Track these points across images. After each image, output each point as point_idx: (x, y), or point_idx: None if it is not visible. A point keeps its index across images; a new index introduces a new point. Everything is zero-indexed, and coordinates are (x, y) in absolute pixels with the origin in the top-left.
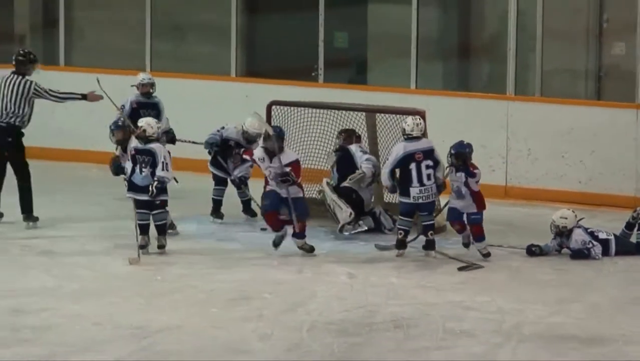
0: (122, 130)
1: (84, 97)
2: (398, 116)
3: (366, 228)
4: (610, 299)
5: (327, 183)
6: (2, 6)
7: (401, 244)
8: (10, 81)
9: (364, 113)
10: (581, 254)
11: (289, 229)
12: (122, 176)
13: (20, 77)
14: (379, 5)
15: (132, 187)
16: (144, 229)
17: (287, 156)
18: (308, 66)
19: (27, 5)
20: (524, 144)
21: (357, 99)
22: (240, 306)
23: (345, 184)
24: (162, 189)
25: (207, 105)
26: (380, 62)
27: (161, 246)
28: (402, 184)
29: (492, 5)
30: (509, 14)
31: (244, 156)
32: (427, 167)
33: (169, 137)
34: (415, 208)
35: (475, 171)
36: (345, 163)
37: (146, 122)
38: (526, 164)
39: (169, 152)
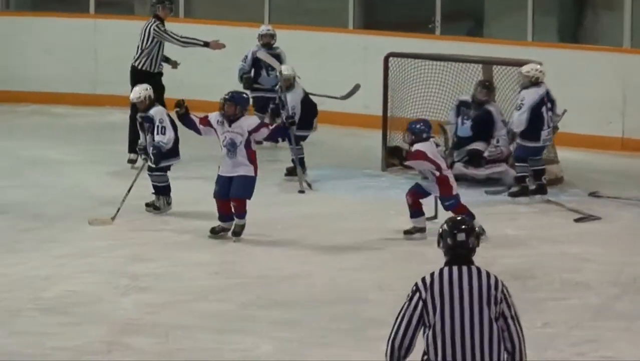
0: None
1: (206, 44)
2: (515, 68)
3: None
4: None
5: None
6: None
7: (526, 191)
8: (144, 25)
9: (480, 65)
10: None
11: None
12: None
13: (151, 20)
14: None
15: (144, 152)
16: (155, 190)
17: (251, 120)
18: (425, 19)
19: None
20: None
21: (473, 51)
22: (360, 256)
23: (485, 154)
24: (162, 154)
25: (324, 57)
26: (497, 15)
27: (153, 206)
28: (532, 128)
29: None
30: None
31: (200, 126)
32: (548, 109)
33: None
34: (539, 150)
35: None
36: (482, 123)
37: (132, 94)
38: None
39: (168, 114)
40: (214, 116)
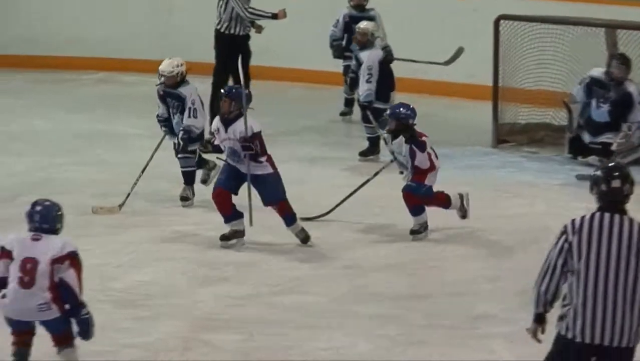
0: None
1: (274, 16)
2: None
3: None
4: None
5: None
6: None
7: None
8: None
9: (603, 29)
10: None
11: (245, 222)
12: None
13: None
14: None
15: (165, 125)
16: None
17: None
18: None
19: None
20: None
21: (595, 13)
22: (463, 244)
23: (613, 147)
24: (192, 138)
25: (426, 21)
26: None
27: (183, 198)
28: None
29: None
30: None
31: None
32: None
33: (387, 55)
34: None
35: (423, 140)
36: (622, 108)
37: (164, 66)
38: None
39: (199, 97)
40: (213, 124)
